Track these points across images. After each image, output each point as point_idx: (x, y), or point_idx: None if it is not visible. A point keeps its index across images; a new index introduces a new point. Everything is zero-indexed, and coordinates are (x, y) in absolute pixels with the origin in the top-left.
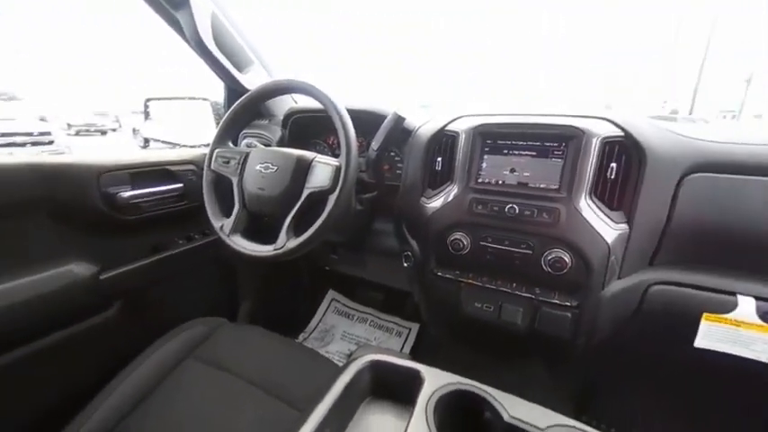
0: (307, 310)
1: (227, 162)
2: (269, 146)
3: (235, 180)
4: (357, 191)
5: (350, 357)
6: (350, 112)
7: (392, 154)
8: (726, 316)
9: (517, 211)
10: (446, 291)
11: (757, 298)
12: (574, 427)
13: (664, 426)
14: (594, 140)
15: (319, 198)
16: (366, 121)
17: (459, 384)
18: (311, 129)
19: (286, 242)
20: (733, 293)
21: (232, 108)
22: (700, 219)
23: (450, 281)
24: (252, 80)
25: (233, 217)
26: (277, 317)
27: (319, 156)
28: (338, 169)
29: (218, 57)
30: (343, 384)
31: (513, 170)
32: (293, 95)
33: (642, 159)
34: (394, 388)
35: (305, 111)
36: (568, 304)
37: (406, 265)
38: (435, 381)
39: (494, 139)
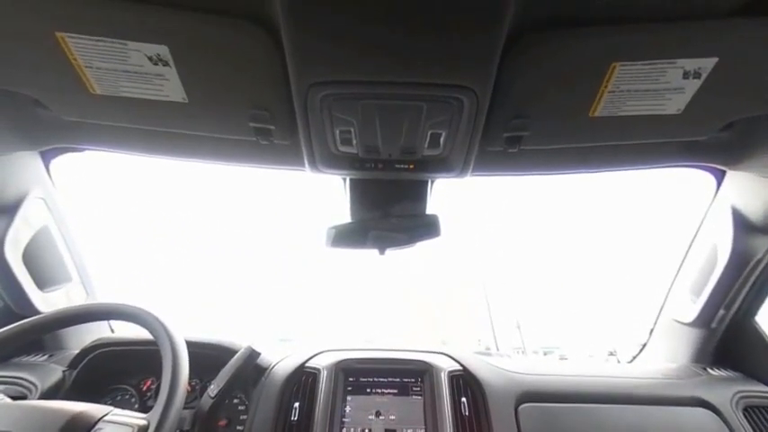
0: None
1: None
2: (22, 399)
3: None
4: None
5: None
6: (190, 345)
7: (236, 401)
8: None
9: None
10: None
11: None
12: None
13: None
14: (443, 375)
15: None
16: (208, 358)
17: None
18: (120, 368)
19: None
20: None
21: None
22: None
23: None
24: (54, 301)
25: None
26: None
27: (115, 411)
28: (142, 431)
29: (14, 267)
30: None
31: (378, 413)
32: (111, 323)
33: (483, 393)
34: None
35: (119, 343)
36: None
37: None
38: None
39: (356, 376)
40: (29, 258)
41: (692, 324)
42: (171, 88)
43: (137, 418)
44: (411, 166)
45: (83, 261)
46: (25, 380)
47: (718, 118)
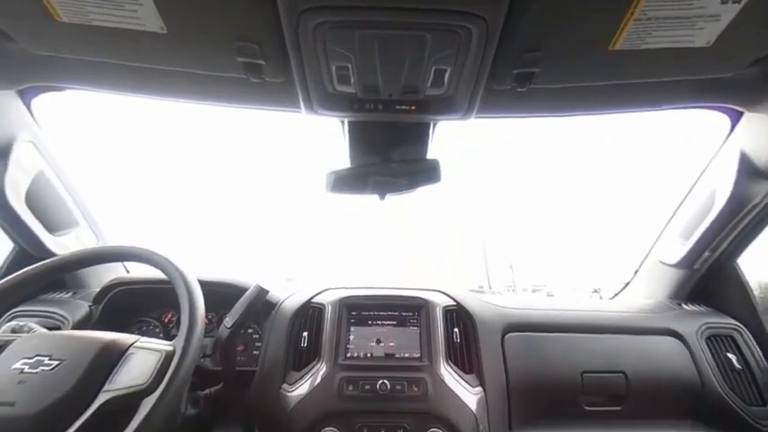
0: None
1: None
2: (57, 329)
3: None
4: (193, 385)
5: None
6: (203, 284)
7: (250, 331)
8: None
9: (389, 387)
10: None
11: None
12: None
13: None
14: (438, 309)
15: (124, 406)
16: (221, 295)
17: None
18: (141, 304)
19: None
20: None
21: (12, 276)
22: (527, 372)
23: None
24: (67, 243)
25: None
26: None
27: (143, 339)
28: (169, 356)
29: (21, 213)
30: None
31: (378, 341)
32: (126, 264)
33: (473, 324)
34: None
35: (136, 282)
36: None
37: None
38: None
39: (359, 310)
40: (33, 204)
41: (677, 265)
42: (145, 15)
43: (164, 345)
44: (413, 108)
45: (86, 206)
46: (57, 314)
47: (750, 52)
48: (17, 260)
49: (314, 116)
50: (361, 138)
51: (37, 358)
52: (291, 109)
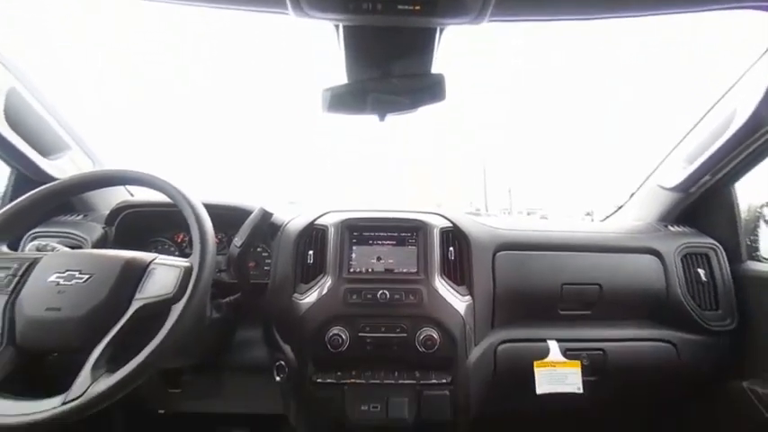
0: None
1: None
2: (78, 248)
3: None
4: (213, 295)
5: None
6: (208, 207)
7: (259, 249)
8: (546, 360)
9: (388, 297)
10: (329, 400)
11: (558, 340)
12: None
13: None
14: (435, 230)
15: (156, 311)
16: (227, 217)
17: None
18: (152, 225)
19: (90, 386)
20: (544, 340)
21: (21, 198)
22: (512, 284)
23: (333, 386)
24: (64, 167)
25: None
26: None
27: (161, 257)
28: (188, 271)
29: (5, 134)
30: None
31: (379, 258)
32: (128, 187)
33: (468, 243)
34: None
35: (143, 205)
36: (444, 381)
37: (278, 378)
38: None
39: (360, 231)
40: (16, 126)
41: (674, 189)
42: None
43: (181, 261)
44: (417, 8)
45: (72, 127)
46: (75, 234)
47: None
48: (18, 185)
49: (304, 19)
50: (358, 47)
51: (68, 272)
52: (276, 9)
